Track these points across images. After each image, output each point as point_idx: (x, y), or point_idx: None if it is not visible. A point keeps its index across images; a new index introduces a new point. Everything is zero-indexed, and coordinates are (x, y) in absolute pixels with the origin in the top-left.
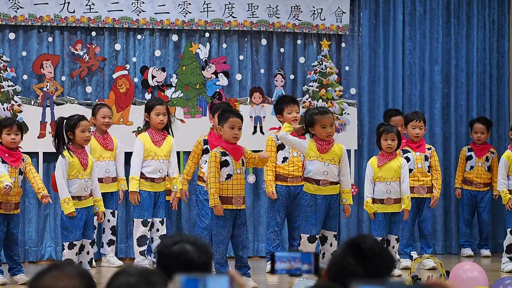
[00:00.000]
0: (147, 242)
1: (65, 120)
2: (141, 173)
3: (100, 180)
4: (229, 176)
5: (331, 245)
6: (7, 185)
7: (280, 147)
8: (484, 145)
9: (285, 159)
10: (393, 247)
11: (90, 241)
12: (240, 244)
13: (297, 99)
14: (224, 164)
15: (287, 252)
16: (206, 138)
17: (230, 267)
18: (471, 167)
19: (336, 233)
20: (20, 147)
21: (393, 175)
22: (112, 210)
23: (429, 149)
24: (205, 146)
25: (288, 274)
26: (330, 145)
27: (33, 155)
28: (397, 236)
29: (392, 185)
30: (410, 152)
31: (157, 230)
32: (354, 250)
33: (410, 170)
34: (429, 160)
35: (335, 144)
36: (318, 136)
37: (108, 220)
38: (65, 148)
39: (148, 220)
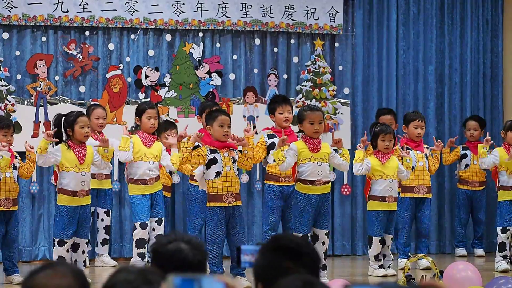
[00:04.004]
0: (146, 245)
1: (63, 117)
2: (131, 178)
3: (93, 176)
4: (218, 174)
5: (323, 243)
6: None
7: (271, 146)
8: (479, 143)
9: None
10: (388, 246)
11: (86, 240)
12: (236, 243)
13: (291, 98)
14: (213, 161)
15: (253, 246)
16: None
17: (224, 268)
18: (466, 166)
19: (327, 231)
20: (12, 145)
21: (394, 173)
22: (106, 210)
23: (427, 147)
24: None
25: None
26: (319, 144)
27: None
28: (392, 236)
29: (394, 182)
30: (411, 150)
31: (153, 229)
32: (285, 253)
33: (411, 168)
34: (428, 158)
35: (322, 144)
36: (306, 132)
37: (102, 220)
38: (64, 142)
39: (147, 222)
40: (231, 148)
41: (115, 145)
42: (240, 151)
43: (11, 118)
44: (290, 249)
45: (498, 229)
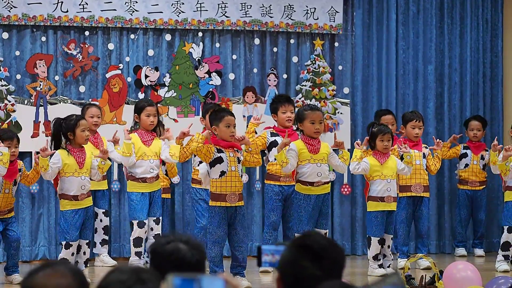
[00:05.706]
0: (143, 244)
1: (62, 121)
2: (132, 175)
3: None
4: (223, 173)
5: None
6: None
7: (272, 144)
8: (480, 143)
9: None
10: (389, 246)
11: (87, 241)
12: (236, 242)
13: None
14: (218, 160)
15: (273, 246)
16: None
17: (224, 268)
18: (466, 165)
19: (327, 231)
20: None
21: (392, 173)
22: (104, 210)
23: (426, 147)
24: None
25: (273, 267)
26: (319, 144)
27: (27, 154)
28: (392, 236)
29: (392, 183)
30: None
31: (151, 229)
32: (306, 252)
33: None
34: (426, 157)
35: (321, 144)
36: (307, 132)
37: (101, 220)
38: (63, 147)
39: (144, 221)
40: (236, 148)
41: (110, 148)
42: (245, 150)
43: (11, 118)
44: (312, 249)
45: (505, 228)
